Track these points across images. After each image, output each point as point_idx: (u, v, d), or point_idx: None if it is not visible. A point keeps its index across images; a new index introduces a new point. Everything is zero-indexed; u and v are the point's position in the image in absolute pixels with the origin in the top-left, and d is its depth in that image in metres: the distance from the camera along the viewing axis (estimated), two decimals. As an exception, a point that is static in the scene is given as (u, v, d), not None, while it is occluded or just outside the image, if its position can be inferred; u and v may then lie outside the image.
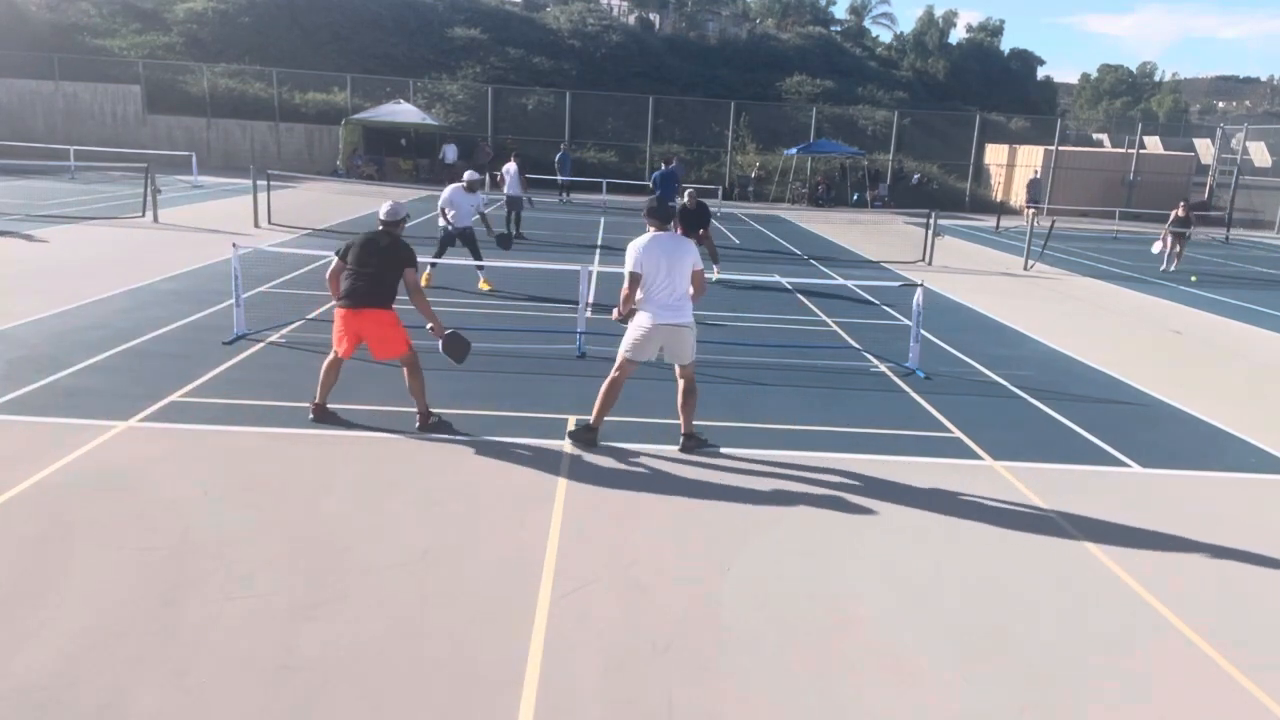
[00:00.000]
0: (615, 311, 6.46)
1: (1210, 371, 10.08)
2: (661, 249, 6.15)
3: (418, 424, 6.51)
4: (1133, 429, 7.60)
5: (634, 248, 6.16)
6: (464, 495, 5.45)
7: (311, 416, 6.56)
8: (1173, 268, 19.26)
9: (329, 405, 6.66)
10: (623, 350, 6.36)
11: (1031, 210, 25.07)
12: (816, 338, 10.65)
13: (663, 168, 20.16)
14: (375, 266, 6.25)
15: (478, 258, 11.95)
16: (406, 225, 6.65)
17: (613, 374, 6.38)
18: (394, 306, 6.40)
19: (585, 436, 6.39)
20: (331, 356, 6.55)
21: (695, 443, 6.39)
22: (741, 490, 5.79)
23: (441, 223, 12.06)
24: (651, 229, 6.29)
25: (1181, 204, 20.39)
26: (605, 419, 6.42)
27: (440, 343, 6.63)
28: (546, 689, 3.61)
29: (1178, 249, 19.55)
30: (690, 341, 6.27)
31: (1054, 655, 4.09)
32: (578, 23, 45.33)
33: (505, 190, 18.57)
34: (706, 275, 6.54)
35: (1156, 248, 19.65)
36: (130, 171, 24.38)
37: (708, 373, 8.47)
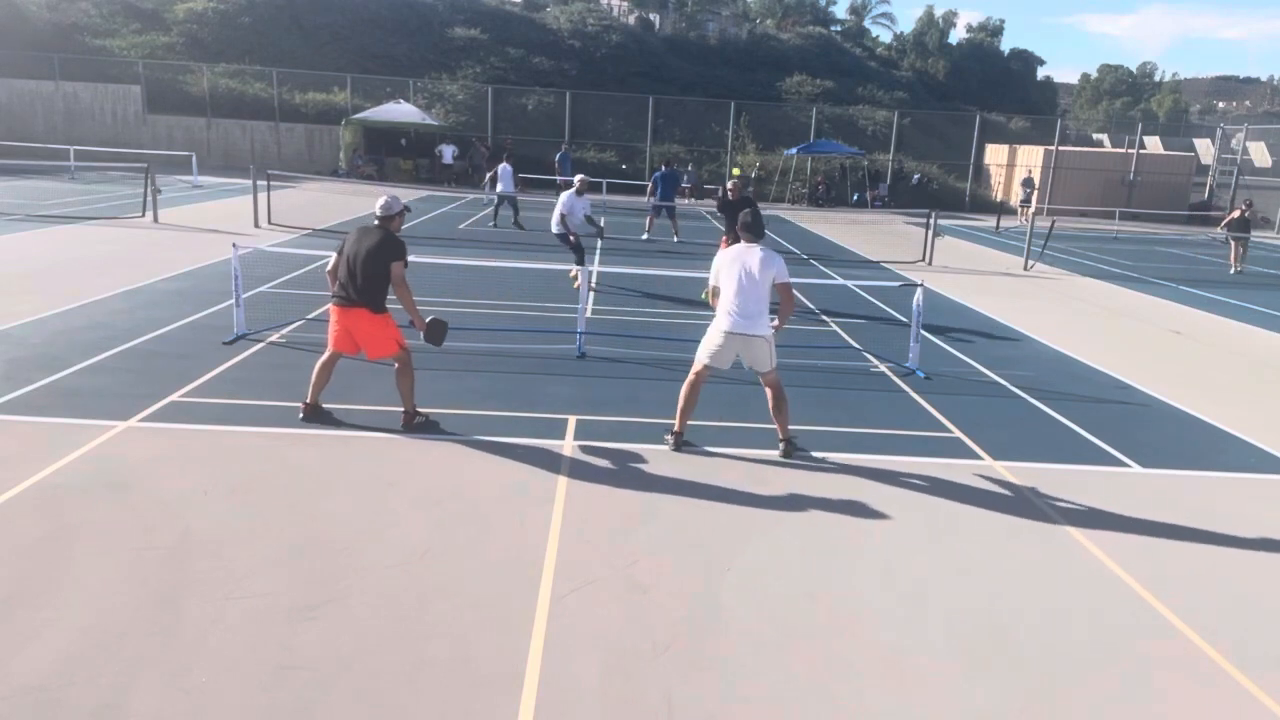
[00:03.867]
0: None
1: (1210, 372, 10.08)
2: (740, 260, 6.28)
3: (402, 422, 6.53)
4: (1133, 429, 7.60)
5: (716, 259, 6.43)
6: (464, 495, 5.45)
7: (302, 416, 6.55)
8: (1234, 270, 19.90)
9: (323, 405, 6.66)
10: (698, 355, 6.47)
11: (1026, 208, 25.34)
12: (816, 338, 10.65)
13: (662, 169, 20.47)
14: (364, 262, 6.26)
15: (580, 257, 12.78)
16: (405, 219, 6.62)
17: (690, 376, 6.46)
18: (387, 307, 6.41)
19: (673, 441, 6.45)
20: (326, 355, 6.56)
21: (793, 448, 6.45)
22: (741, 490, 5.79)
23: (557, 230, 12.98)
24: (742, 241, 6.45)
25: (1242, 206, 21.08)
26: (688, 421, 6.51)
27: (422, 335, 6.67)
28: (546, 689, 3.61)
29: (1241, 251, 20.22)
30: (766, 351, 6.31)
31: (1054, 655, 4.09)
32: (578, 23, 45.31)
33: (499, 189, 20.28)
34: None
35: (1233, 270, 20.21)
36: (130, 171, 24.37)
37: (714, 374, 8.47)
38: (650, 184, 20.87)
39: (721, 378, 8.24)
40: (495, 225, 20.35)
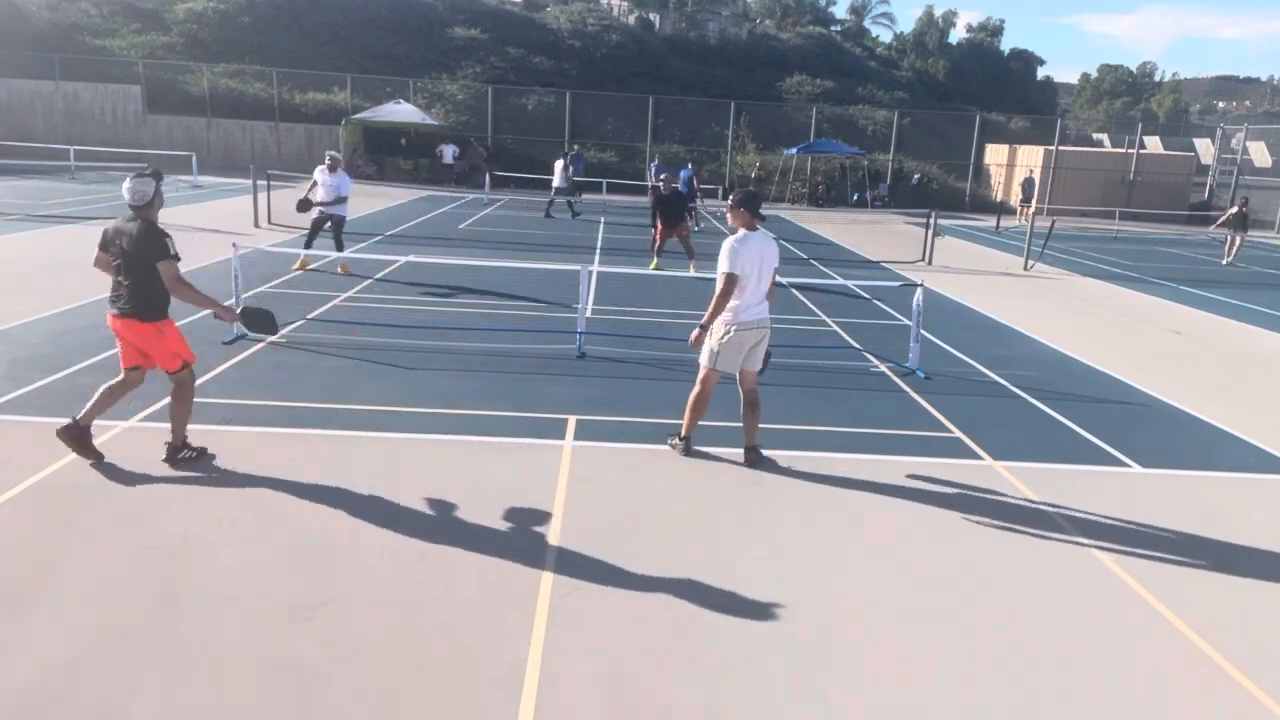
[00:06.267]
0: (695, 333, 6.08)
1: (1210, 372, 10.08)
2: (762, 250, 5.96)
3: (165, 455, 5.61)
4: (1133, 429, 7.59)
5: (731, 247, 5.83)
6: (464, 495, 5.45)
7: (59, 431, 5.47)
8: (1227, 261, 21.46)
9: (92, 431, 5.63)
10: (706, 362, 6.14)
11: (1027, 209, 25.61)
12: (816, 338, 10.65)
13: (688, 168, 22.41)
14: (127, 264, 5.41)
15: (339, 248, 12.80)
16: (161, 205, 5.73)
17: (698, 388, 6.21)
18: (169, 315, 5.57)
19: (682, 447, 6.34)
20: (119, 378, 5.63)
21: (758, 456, 6.26)
22: (741, 490, 5.79)
23: (314, 202, 12.83)
24: (741, 226, 5.99)
25: (1239, 203, 22.55)
26: (696, 427, 6.37)
27: (237, 326, 6.13)
28: (546, 689, 3.61)
29: (1238, 242, 21.71)
30: (766, 345, 6.18)
31: (1054, 655, 4.09)
32: (578, 23, 45.33)
33: (555, 183, 22.90)
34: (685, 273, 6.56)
35: (1226, 260, 21.64)
36: (130, 171, 24.36)
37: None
38: (651, 173, 25.66)
39: (722, 378, 8.25)
40: (549, 216, 23.05)
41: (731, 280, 5.81)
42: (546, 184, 29.78)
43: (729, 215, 6.14)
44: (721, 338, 6.00)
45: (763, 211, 6.13)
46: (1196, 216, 35.00)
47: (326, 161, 12.92)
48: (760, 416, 6.29)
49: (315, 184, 12.93)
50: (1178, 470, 6.72)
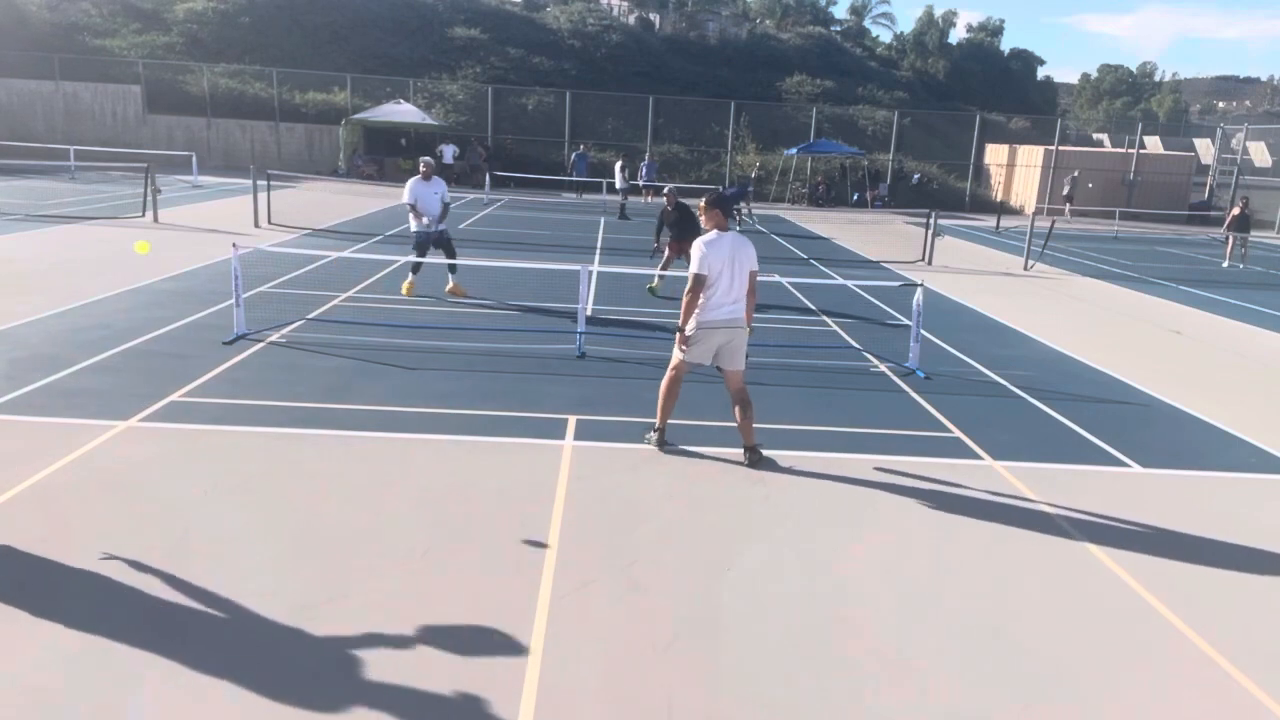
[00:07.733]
0: (679, 336, 6.20)
1: (1210, 371, 10.08)
2: (734, 250, 6.03)
3: None
4: (1133, 429, 7.59)
5: (700, 249, 5.98)
6: (464, 495, 5.45)
7: None
8: (1227, 264, 21.15)
9: None
10: (676, 352, 6.26)
11: (1068, 208, 25.83)
12: (816, 338, 10.65)
13: (648, 160, 23.40)
14: None
15: (451, 257, 11.47)
16: None
17: (669, 374, 6.33)
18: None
19: (656, 439, 6.39)
20: None
21: (759, 456, 6.24)
22: (741, 490, 5.79)
23: (414, 227, 11.20)
24: (713, 227, 6.11)
25: (1240, 203, 22.49)
26: (669, 419, 6.42)
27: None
28: (546, 689, 3.61)
29: (1243, 249, 21.45)
30: (744, 342, 6.21)
31: (1054, 655, 4.09)
32: (578, 23, 45.33)
33: (617, 184, 24.84)
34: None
35: (1226, 263, 21.46)
36: (130, 171, 24.38)
37: (710, 372, 8.46)
38: (643, 170, 28.09)
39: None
40: (624, 217, 23.94)
41: (699, 280, 5.99)
42: (546, 184, 29.94)
43: (701, 216, 6.28)
44: (690, 332, 6.14)
45: (743, 208, 6.21)
46: (1196, 216, 35.01)
47: (420, 169, 11.22)
48: (753, 416, 6.28)
49: (412, 206, 11.06)
50: (1177, 470, 6.72)
